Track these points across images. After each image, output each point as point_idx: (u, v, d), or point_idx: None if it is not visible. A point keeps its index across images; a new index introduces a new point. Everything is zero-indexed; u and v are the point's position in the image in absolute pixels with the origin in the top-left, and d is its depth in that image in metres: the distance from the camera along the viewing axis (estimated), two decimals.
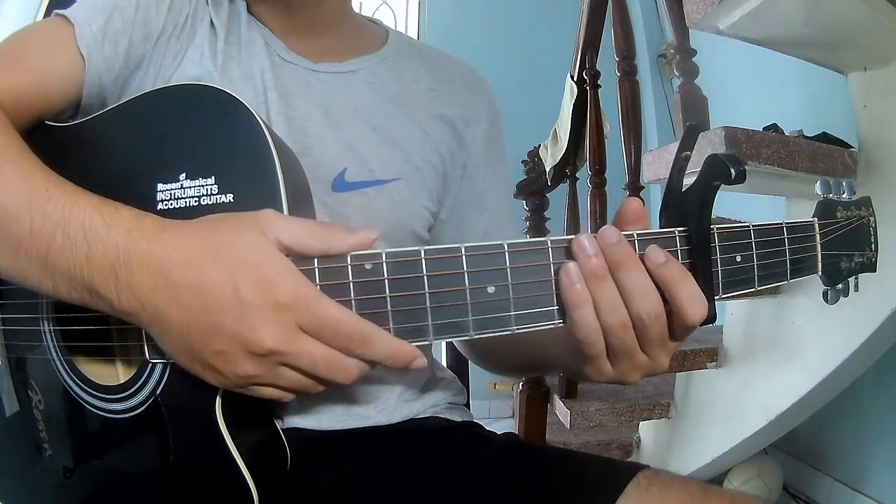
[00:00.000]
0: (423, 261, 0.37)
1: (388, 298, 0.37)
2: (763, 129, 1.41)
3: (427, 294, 0.37)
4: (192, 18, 0.57)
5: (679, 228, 0.40)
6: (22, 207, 0.38)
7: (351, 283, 0.37)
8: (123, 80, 0.54)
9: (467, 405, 0.74)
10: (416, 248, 0.38)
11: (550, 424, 1.76)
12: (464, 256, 0.37)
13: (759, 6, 1.07)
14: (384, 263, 0.37)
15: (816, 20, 1.09)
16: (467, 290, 0.37)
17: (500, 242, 0.38)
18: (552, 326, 0.39)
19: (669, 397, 1.70)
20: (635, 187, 1.53)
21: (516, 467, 0.55)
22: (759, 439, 1.47)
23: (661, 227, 0.41)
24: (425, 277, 0.37)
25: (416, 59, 0.67)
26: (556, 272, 0.38)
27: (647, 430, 1.87)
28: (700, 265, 0.39)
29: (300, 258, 0.38)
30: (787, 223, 0.44)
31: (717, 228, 0.41)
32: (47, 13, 1.86)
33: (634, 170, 1.49)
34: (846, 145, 1.27)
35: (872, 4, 1.04)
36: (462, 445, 0.60)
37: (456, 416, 0.67)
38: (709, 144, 1.14)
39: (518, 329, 0.38)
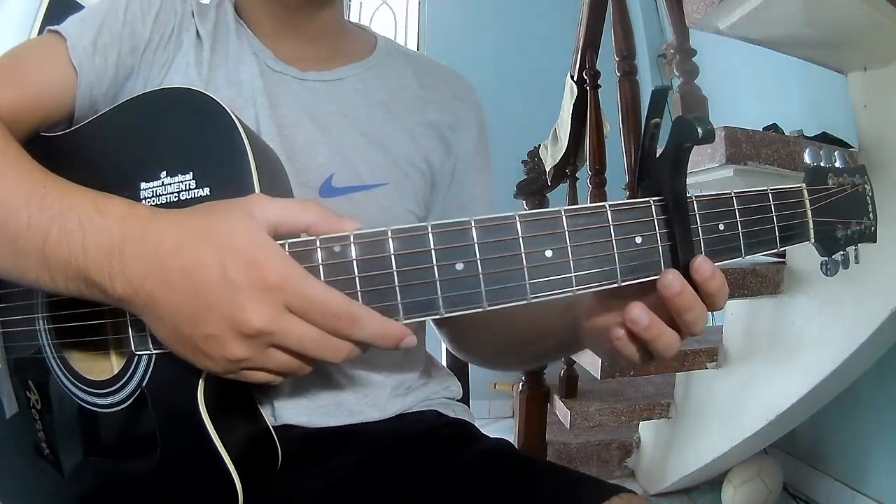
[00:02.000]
0: (391, 240, 0.37)
1: (357, 279, 0.38)
2: (763, 129, 1.41)
3: (395, 273, 0.37)
4: (177, 29, 0.58)
5: (655, 198, 0.39)
6: (20, 204, 0.40)
7: (321, 266, 0.38)
8: (114, 92, 0.55)
9: (466, 403, 0.73)
10: (384, 228, 0.38)
11: (550, 424, 1.76)
12: (430, 234, 0.37)
13: (759, 6, 1.07)
14: (352, 245, 0.38)
15: (816, 20, 1.09)
16: (435, 268, 0.37)
17: (466, 219, 0.37)
18: (525, 303, 0.38)
19: (669, 397, 1.70)
20: (635, 187, 1.53)
21: (496, 472, 0.55)
22: (759, 439, 1.47)
23: (637, 198, 0.40)
24: (392, 257, 0.37)
25: (405, 66, 0.68)
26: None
27: (647, 430, 1.87)
28: (679, 231, 0.39)
29: (290, 232, 0.39)
30: (772, 189, 0.42)
31: (697, 196, 0.40)
32: (47, 13, 1.87)
33: (634, 170, 1.49)
34: (846, 145, 1.27)
35: (872, 4, 1.04)
36: (449, 444, 0.60)
37: (451, 413, 0.67)
38: (709, 145, 1.14)
39: (490, 306, 0.38)
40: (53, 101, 0.53)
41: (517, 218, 0.38)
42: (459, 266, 0.37)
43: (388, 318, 0.38)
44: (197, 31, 0.59)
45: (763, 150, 1.14)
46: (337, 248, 0.38)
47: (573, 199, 1.95)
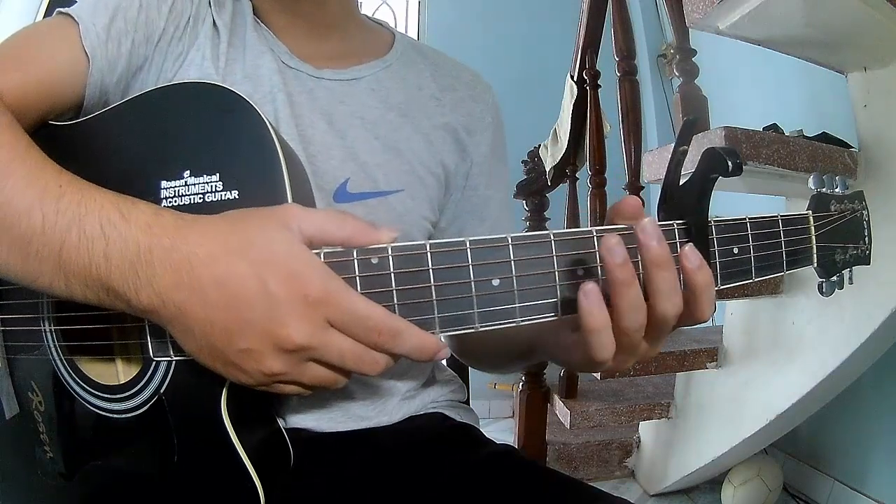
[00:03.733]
0: (429, 254, 0.37)
1: (395, 292, 0.38)
2: (763, 129, 1.41)
3: (433, 287, 0.38)
4: (193, 20, 0.56)
5: (678, 221, 0.41)
6: (33, 204, 0.37)
7: (357, 278, 0.37)
8: (125, 82, 0.53)
9: (467, 402, 0.73)
10: (422, 242, 0.38)
11: (550, 424, 1.76)
12: (469, 250, 0.38)
13: (759, 6, 1.07)
14: (390, 258, 0.38)
15: (816, 20, 1.09)
16: (472, 283, 0.38)
17: (503, 235, 0.38)
18: (556, 318, 0.39)
19: (669, 397, 1.70)
20: (635, 187, 1.53)
21: (506, 477, 0.55)
22: (759, 439, 1.47)
23: (659, 221, 0.41)
24: (431, 271, 0.37)
25: (422, 65, 0.66)
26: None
27: (647, 430, 1.87)
28: (700, 254, 0.40)
29: (325, 245, 0.38)
30: (782, 216, 0.45)
31: (715, 221, 0.41)
32: (48, 13, 1.86)
33: (634, 170, 1.50)
34: (846, 145, 1.27)
35: (872, 4, 1.04)
36: (456, 448, 0.60)
37: (456, 416, 0.67)
38: (708, 144, 1.14)
39: (522, 321, 0.38)
40: (63, 88, 0.50)
41: (552, 236, 0.39)
42: (496, 282, 0.38)
43: (426, 332, 0.38)
44: (213, 23, 0.57)
45: (763, 150, 1.14)
46: (374, 261, 0.38)
47: (573, 199, 1.95)
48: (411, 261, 0.38)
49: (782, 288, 1.37)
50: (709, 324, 1.95)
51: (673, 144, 0.41)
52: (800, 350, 1.32)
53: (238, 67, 0.56)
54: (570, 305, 0.39)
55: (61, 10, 0.52)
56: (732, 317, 1.54)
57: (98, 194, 0.38)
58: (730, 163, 0.38)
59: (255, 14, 0.60)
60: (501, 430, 2.50)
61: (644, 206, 0.42)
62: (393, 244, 0.38)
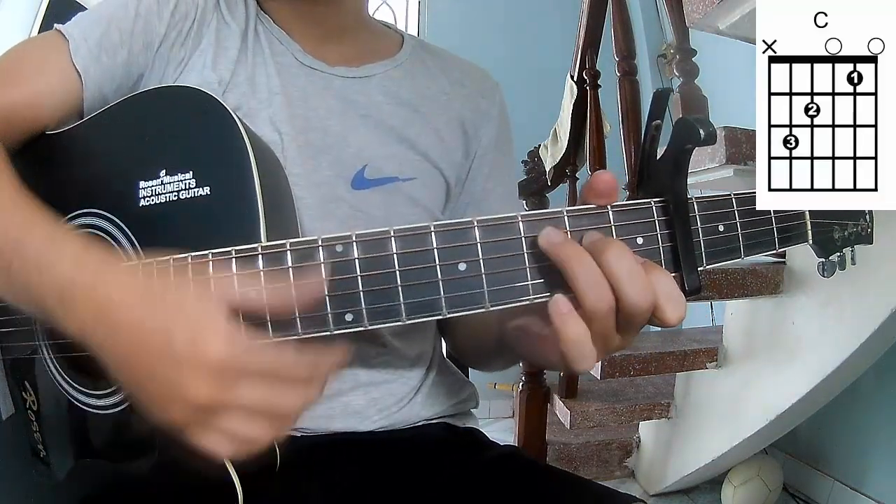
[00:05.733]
0: (393, 240, 0.38)
1: (360, 278, 0.38)
2: None
3: (398, 272, 0.37)
4: (198, 24, 0.56)
5: (655, 199, 0.39)
6: None
7: (322, 265, 0.38)
8: (126, 89, 0.53)
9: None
10: (386, 228, 0.38)
11: (550, 424, 1.76)
12: (433, 233, 0.38)
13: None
14: (354, 244, 0.38)
15: None
16: (438, 268, 0.37)
17: (469, 219, 0.38)
18: (528, 302, 0.38)
19: (669, 397, 1.70)
20: (635, 187, 1.53)
21: (512, 477, 0.55)
22: (759, 439, 1.47)
23: (638, 199, 0.40)
24: (395, 256, 0.37)
25: (431, 63, 0.67)
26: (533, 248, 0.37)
27: (647, 430, 1.87)
28: (680, 234, 0.39)
29: (250, 313, 0.38)
30: None
31: (697, 198, 0.40)
32: (47, 13, 1.86)
33: (634, 170, 1.49)
34: None
35: None
36: (461, 452, 0.60)
37: (459, 422, 0.66)
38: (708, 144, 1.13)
39: (492, 306, 0.38)
40: (52, 106, 0.51)
41: (519, 218, 0.38)
42: (462, 266, 0.37)
43: (318, 355, 0.37)
44: (218, 26, 0.57)
45: None
46: (339, 248, 0.38)
47: (573, 199, 1.95)
48: (375, 246, 0.38)
49: (782, 288, 1.37)
50: (709, 324, 1.95)
51: None
52: (800, 350, 1.32)
53: (241, 69, 0.56)
54: (542, 288, 0.38)
55: (57, 26, 0.53)
56: (732, 317, 1.54)
57: (38, 226, 0.41)
58: (701, 131, 0.36)
59: (262, 16, 0.60)
60: (501, 430, 2.50)
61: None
62: (358, 231, 0.38)
